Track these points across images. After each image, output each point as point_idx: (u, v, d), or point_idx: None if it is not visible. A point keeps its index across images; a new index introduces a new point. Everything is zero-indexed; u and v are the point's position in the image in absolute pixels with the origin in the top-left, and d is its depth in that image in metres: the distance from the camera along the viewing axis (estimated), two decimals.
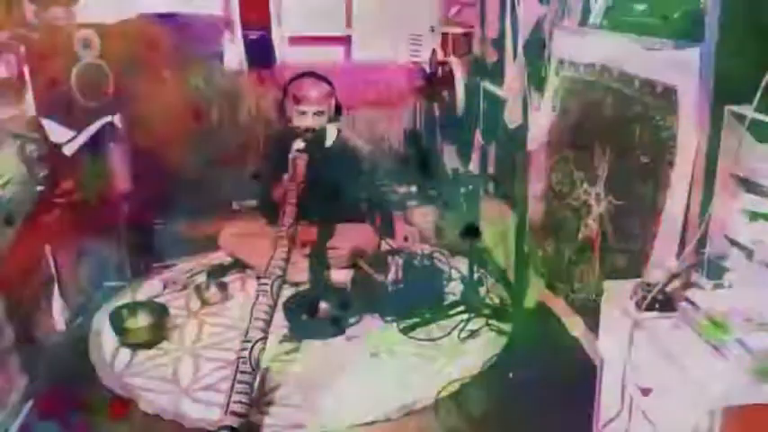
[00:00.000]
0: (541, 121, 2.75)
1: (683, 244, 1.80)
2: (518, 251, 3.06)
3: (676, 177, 1.85)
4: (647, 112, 1.98)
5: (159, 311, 2.81)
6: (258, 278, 2.53)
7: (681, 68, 1.80)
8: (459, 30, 3.87)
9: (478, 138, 3.62)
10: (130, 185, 3.36)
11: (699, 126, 1.74)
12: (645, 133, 2.00)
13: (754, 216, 1.57)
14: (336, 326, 2.76)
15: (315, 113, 3.11)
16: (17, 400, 2.23)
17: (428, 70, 4.20)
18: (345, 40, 4.51)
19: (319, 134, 3.13)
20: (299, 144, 2.94)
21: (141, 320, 2.76)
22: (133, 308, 2.83)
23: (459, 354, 2.59)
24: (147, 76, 3.36)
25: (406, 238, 3.47)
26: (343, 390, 2.38)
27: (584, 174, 2.39)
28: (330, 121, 3.21)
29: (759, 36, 1.57)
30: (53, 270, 2.70)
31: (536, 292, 2.87)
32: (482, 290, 3.00)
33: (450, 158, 4.19)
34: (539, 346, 2.53)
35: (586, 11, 2.43)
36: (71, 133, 2.92)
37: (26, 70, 2.74)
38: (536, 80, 2.82)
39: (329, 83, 3.20)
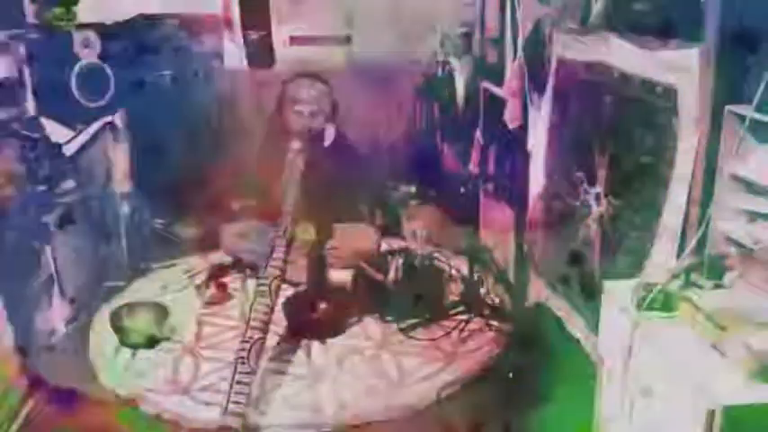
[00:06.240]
0: (541, 121, 2.75)
1: (683, 244, 1.79)
2: (518, 251, 3.06)
3: (676, 177, 1.84)
4: (647, 112, 1.98)
5: (159, 311, 2.81)
6: (257, 278, 2.53)
7: (681, 68, 1.80)
8: (459, 30, 3.86)
9: (478, 138, 3.61)
10: (130, 185, 3.37)
11: (699, 126, 1.74)
12: (645, 133, 2.00)
13: (754, 216, 1.57)
14: (336, 326, 2.75)
15: (311, 113, 3.11)
16: (17, 400, 2.23)
17: (428, 70, 4.19)
18: (345, 40, 4.50)
19: (317, 134, 3.13)
20: (296, 144, 2.94)
21: (141, 320, 2.76)
22: (133, 308, 2.83)
23: (459, 354, 2.59)
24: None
25: (414, 234, 3.48)
26: (344, 390, 2.38)
27: (584, 174, 2.39)
28: (328, 120, 3.21)
29: (759, 36, 1.57)
30: (53, 270, 2.70)
31: (536, 292, 2.87)
32: (482, 290, 3.00)
33: (450, 158, 4.19)
34: (539, 346, 2.53)
35: (586, 11, 2.43)
36: (71, 133, 2.92)
37: (26, 70, 2.74)
38: (536, 80, 2.81)
39: (326, 82, 3.20)
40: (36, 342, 2.53)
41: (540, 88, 2.77)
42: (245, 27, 4.20)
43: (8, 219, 2.42)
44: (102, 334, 2.76)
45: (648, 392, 1.48)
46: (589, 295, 2.32)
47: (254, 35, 4.21)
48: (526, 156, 2.93)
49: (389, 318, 2.82)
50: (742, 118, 1.54)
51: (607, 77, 2.22)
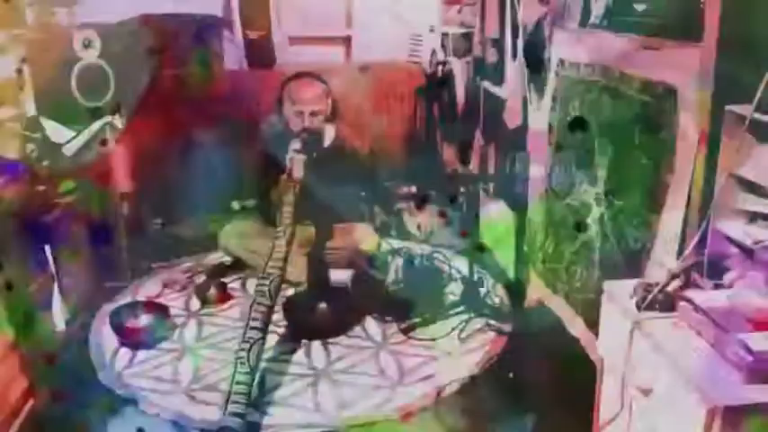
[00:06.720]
0: (541, 121, 2.75)
1: (683, 244, 1.80)
2: (518, 251, 3.06)
3: (676, 177, 1.85)
4: (647, 112, 1.98)
5: (159, 311, 2.81)
6: (257, 278, 2.53)
7: (681, 68, 1.80)
8: (459, 30, 3.87)
9: (478, 138, 3.62)
10: (130, 185, 3.37)
11: (699, 126, 1.74)
12: (645, 133, 2.00)
13: (754, 216, 1.57)
14: (335, 326, 2.75)
15: (311, 113, 3.11)
16: (17, 399, 2.23)
17: (428, 70, 4.20)
18: (345, 40, 4.51)
19: (316, 134, 3.13)
20: (295, 144, 2.94)
21: (141, 320, 2.76)
22: (133, 308, 2.83)
23: (459, 354, 2.59)
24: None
25: (419, 227, 3.48)
26: (344, 390, 2.38)
27: (584, 174, 2.39)
28: (327, 120, 3.21)
29: (759, 36, 1.57)
30: (53, 270, 2.70)
31: (536, 292, 2.87)
32: (482, 290, 3.00)
33: (450, 158, 4.19)
34: (539, 346, 2.53)
35: (586, 11, 2.43)
36: (71, 133, 2.92)
37: (26, 70, 2.74)
38: (536, 80, 2.81)
39: (326, 82, 3.19)
40: (36, 342, 2.53)
41: (539, 88, 2.78)
42: (245, 27, 4.21)
43: (10, 218, 2.42)
44: (102, 334, 2.76)
45: (648, 392, 1.48)
46: None
47: (254, 35, 4.21)
48: (526, 156, 2.93)
49: (389, 318, 2.81)
50: (742, 118, 1.54)
51: (607, 77, 2.22)
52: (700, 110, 1.73)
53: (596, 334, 1.86)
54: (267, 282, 2.35)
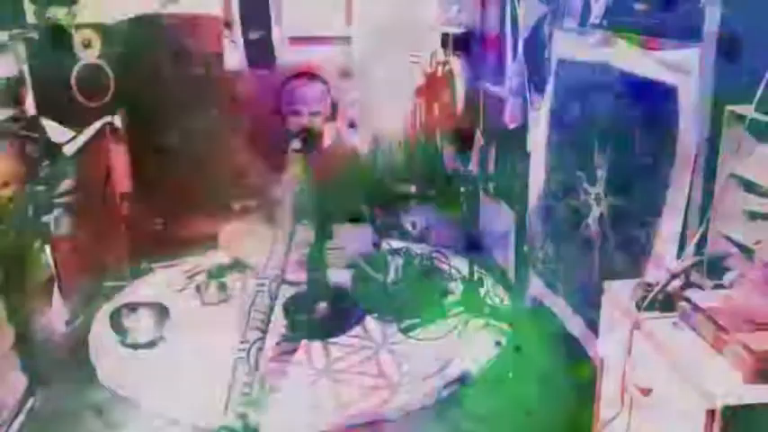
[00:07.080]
0: (541, 121, 2.75)
1: (683, 244, 1.80)
2: (518, 251, 3.06)
3: (676, 177, 1.85)
4: (647, 112, 1.98)
5: (159, 311, 2.81)
6: (257, 278, 2.52)
7: (681, 68, 1.80)
8: (459, 30, 3.87)
9: (479, 138, 3.62)
10: (130, 185, 3.37)
11: (699, 126, 1.74)
12: (645, 133, 2.00)
13: (754, 216, 1.57)
14: (336, 326, 2.75)
15: (311, 113, 3.11)
16: (17, 400, 2.24)
17: (428, 70, 4.20)
18: (345, 40, 4.50)
19: (316, 134, 3.13)
20: (295, 144, 2.94)
21: (141, 320, 2.76)
22: (133, 308, 2.83)
23: (459, 353, 2.59)
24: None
25: (414, 225, 3.48)
26: (344, 390, 2.38)
27: (584, 174, 2.39)
28: (327, 120, 3.20)
29: (759, 36, 1.57)
30: (53, 270, 2.70)
31: (536, 292, 2.87)
32: (482, 290, 3.00)
33: (450, 158, 4.19)
34: (539, 346, 2.53)
35: (586, 11, 2.43)
36: (71, 133, 2.92)
37: (26, 70, 2.74)
38: (536, 80, 2.81)
39: (326, 82, 3.19)
40: (36, 342, 2.53)
41: (539, 88, 2.78)
42: (245, 27, 4.20)
43: (8, 219, 2.42)
44: (102, 334, 2.76)
45: (648, 392, 1.48)
46: None
47: (254, 35, 4.21)
48: (526, 156, 2.93)
49: (389, 318, 2.81)
50: (742, 118, 1.54)
51: (607, 77, 2.22)
52: (700, 110, 1.73)
53: (596, 334, 1.86)
54: (267, 282, 2.35)
